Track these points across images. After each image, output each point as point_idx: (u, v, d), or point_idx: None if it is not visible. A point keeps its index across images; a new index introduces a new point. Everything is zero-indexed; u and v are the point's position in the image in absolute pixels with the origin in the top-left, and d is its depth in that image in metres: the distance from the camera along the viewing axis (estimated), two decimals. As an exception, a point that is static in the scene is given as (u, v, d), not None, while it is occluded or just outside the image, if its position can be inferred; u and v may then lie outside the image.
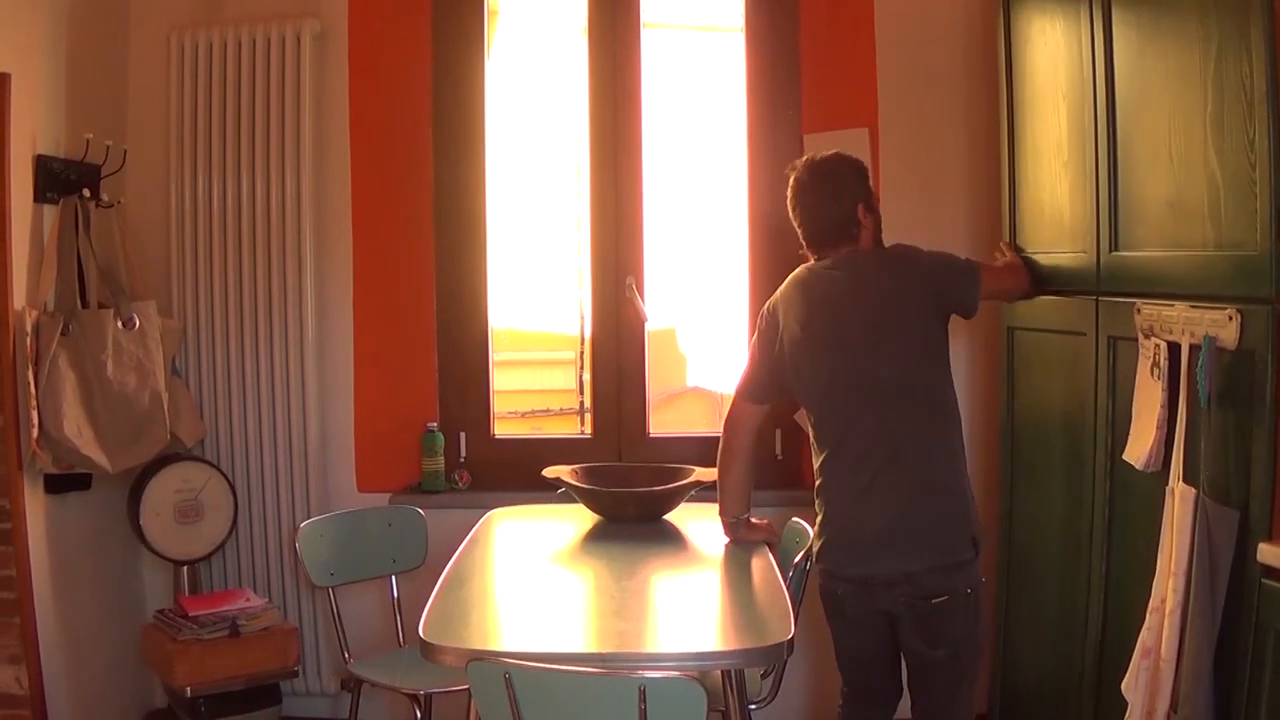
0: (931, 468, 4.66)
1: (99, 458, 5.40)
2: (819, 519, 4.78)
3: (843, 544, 4.68)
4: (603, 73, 6.34)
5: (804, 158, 5.06)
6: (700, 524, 5.32)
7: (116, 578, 6.06)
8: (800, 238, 4.97)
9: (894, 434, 4.62)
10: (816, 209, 4.90)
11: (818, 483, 4.80)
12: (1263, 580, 3.64)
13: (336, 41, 6.20)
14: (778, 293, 5.03)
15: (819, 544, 4.75)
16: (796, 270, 5.01)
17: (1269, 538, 3.67)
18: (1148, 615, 4.06)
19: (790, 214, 4.98)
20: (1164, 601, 3.96)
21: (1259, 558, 3.66)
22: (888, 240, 5.00)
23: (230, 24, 6.07)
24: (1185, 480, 4.02)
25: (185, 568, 5.98)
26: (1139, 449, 4.31)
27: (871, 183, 5.00)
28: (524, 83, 6.99)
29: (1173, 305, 4.10)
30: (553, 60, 7.02)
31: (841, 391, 4.73)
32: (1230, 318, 3.83)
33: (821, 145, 5.82)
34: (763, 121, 6.23)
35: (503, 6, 6.82)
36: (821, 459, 4.79)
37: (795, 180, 4.96)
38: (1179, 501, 3.99)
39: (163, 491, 5.83)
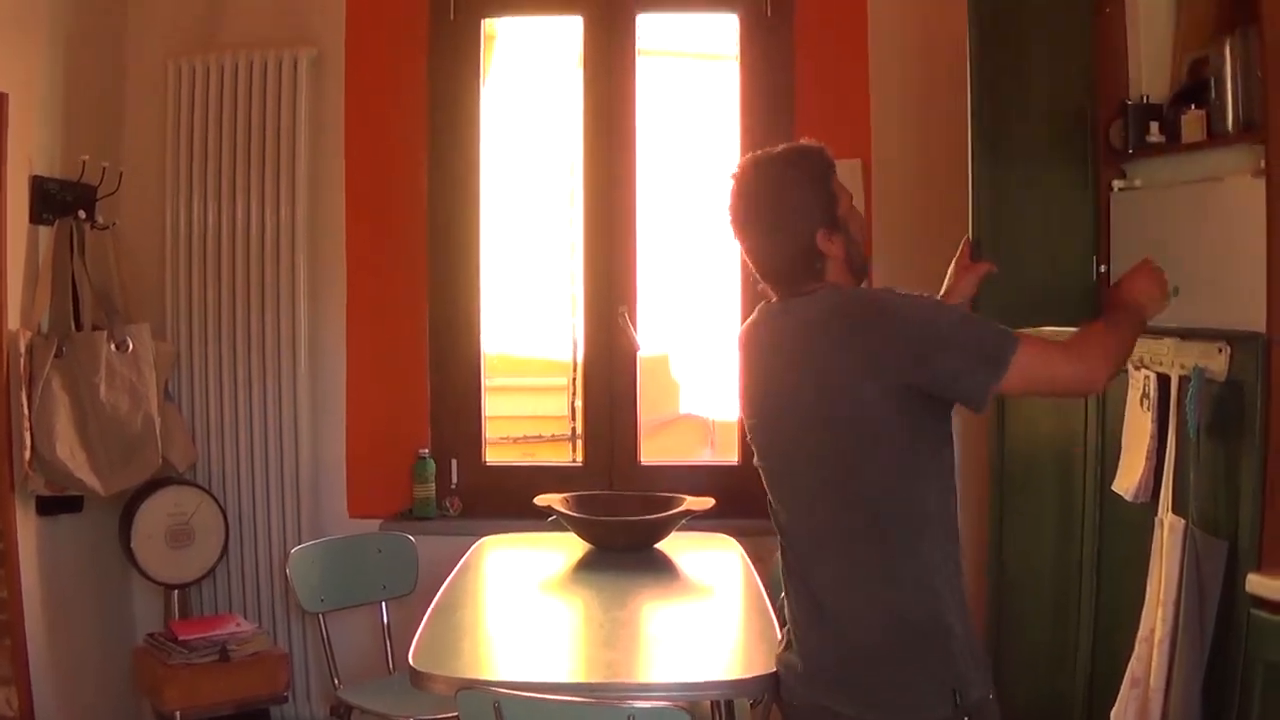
0: (888, 594, 3.52)
1: (91, 480, 5.40)
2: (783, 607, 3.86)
3: (802, 652, 3.68)
4: (598, 100, 6.35)
5: (744, 160, 3.81)
6: (691, 553, 5.32)
7: (107, 600, 6.05)
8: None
9: (836, 550, 3.59)
10: (759, 242, 3.73)
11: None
12: (1251, 610, 3.65)
13: (332, 68, 6.21)
14: (742, 329, 3.95)
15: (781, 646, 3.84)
16: (760, 306, 3.91)
17: (1258, 568, 3.69)
18: (1137, 645, 4.07)
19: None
20: (1153, 631, 3.98)
21: (1248, 588, 3.67)
22: (888, 272, 4.32)
23: (227, 49, 6.10)
24: (1174, 511, 4.04)
25: (176, 591, 5.98)
26: (1128, 480, 4.33)
27: (835, 186, 3.73)
28: (519, 109, 7.02)
29: (1161, 339, 4.13)
30: (548, 87, 7.06)
31: (779, 481, 3.76)
32: (1220, 350, 3.86)
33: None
34: (755, 149, 6.15)
35: (499, 32, 6.85)
36: (781, 564, 3.83)
37: (729, 200, 3.77)
38: (1168, 532, 4.01)
39: (154, 515, 5.83)
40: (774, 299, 3.79)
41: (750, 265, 3.76)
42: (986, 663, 3.59)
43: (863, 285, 3.80)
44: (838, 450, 3.50)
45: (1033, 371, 3.43)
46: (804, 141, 3.81)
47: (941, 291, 4.12)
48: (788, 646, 3.71)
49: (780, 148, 3.78)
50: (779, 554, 3.79)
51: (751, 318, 3.87)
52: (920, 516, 3.51)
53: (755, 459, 3.84)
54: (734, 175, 3.76)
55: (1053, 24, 4.67)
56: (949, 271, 4.24)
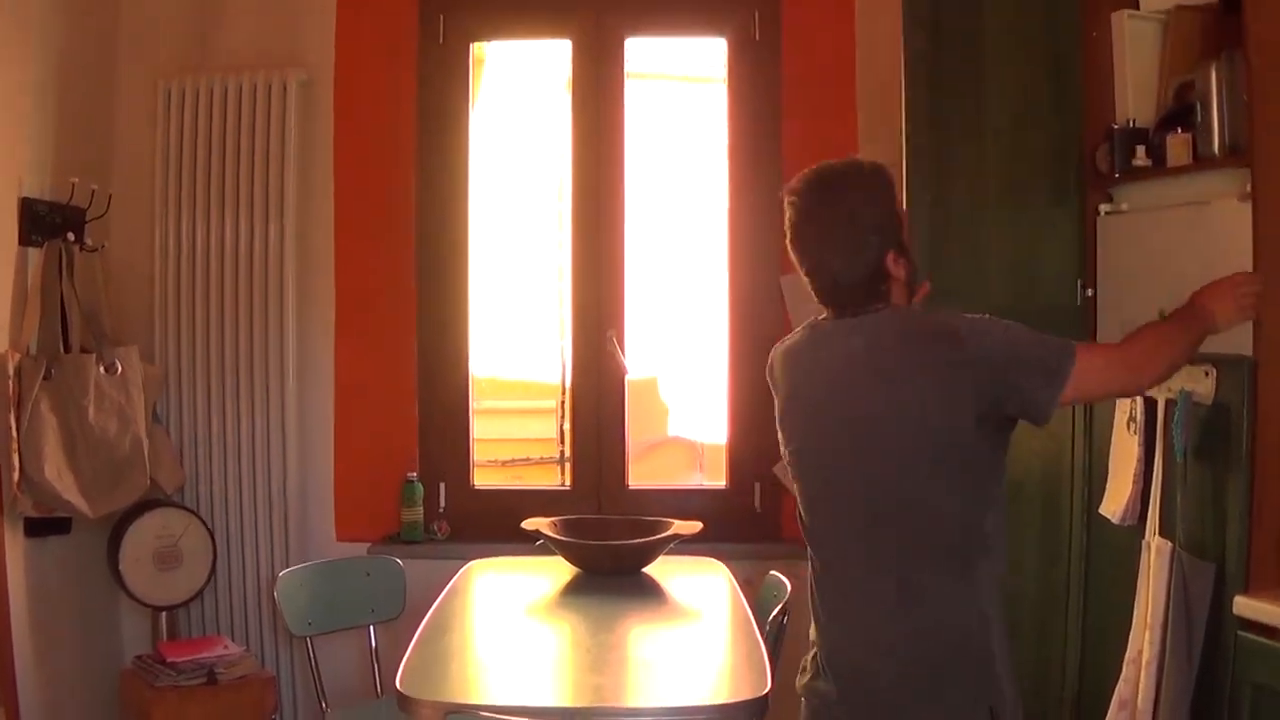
0: (939, 617, 3.55)
1: (79, 502, 5.39)
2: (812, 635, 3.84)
3: (838, 676, 3.67)
4: (586, 123, 6.37)
5: (805, 176, 3.74)
6: (678, 577, 5.32)
7: (95, 622, 6.03)
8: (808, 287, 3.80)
9: (888, 573, 3.58)
10: (829, 260, 3.65)
11: (811, 601, 3.85)
12: (1239, 633, 3.65)
13: (322, 90, 6.23)
14: (778, 352, 3.92)
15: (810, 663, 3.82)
16: (805, 324, 3.89)
17: (1245, 590, 3.69)
18: (1124, 668, 4.07)
19: (792, 258, 3.79)
20: (1140, 653, 3.98)
21: (1235, 610, 3.67)
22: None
23: (217, 72, 6.10)
24: (1161, 534, 4.05)
25: (164, 614, 5.97)
26: (1115, 503, 4.33)
27: (899, 206, 3.81)
28: (508, 131, 7.03)
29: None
30: (537, 109, 7.06)
31: (825, 503, 3.74)
32: (1206, 373, 3.87)
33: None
34: (743, 174, 6.28)
35: (489, 55, 6.86)
36: (812, 580, 3.83)
37: (794, 217, 3.72)
38: (1155, 555, 4.01)
39: (142, 537, 5.82)
40: (823, 318, 3.78)
41: (809, 282, 3.73)
42: (1020, 688, 3.61)
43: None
44: (908, 473, 3.52)
45: (1091, 380, 3.50)
46: (862, 159, 3.77)
47: None
48: (817, 674, 3.72)
49: (847, 163, 3.74)
50: (811, 576, 3.80)
51: (795, 338, 3.87)
52: (980, 539, 3.55)
53: (795, 480, 3.83)
54: (800, 190, 3.72)
55: (1019, 41, 4.73)
56: None
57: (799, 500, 3.81)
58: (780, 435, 3.85)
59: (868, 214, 3.63)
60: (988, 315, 3.55)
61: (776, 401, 3.87)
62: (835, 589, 3.70)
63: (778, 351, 3.90)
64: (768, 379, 3.95)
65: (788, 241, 3.75)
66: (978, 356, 3.44)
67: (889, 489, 3.54)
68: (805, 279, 3.73)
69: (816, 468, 3.73)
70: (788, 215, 3.73)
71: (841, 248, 3.62)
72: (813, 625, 3.77)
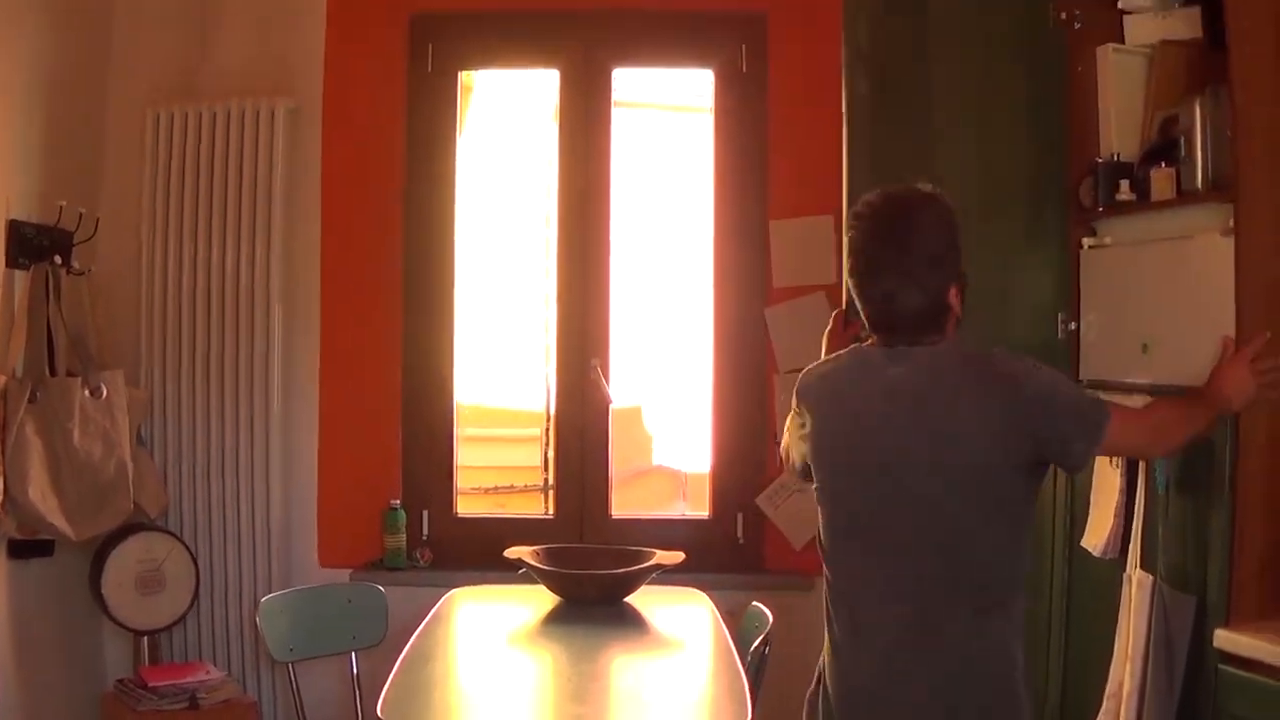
0: (969, 652, 3.55)
1: (63, 525, 5.38)
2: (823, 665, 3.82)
3: (846, 697, 3.69)
4: (573, 152, 6.38)
5: (872, 202, 3.68)
6: (661, 607, 5.31)
7: (77, 645, 6.02)
8: (860, 315, 3.76)
9: (921, 605, 3.56)
10: (896, 289, 3.58)
11: (826, 620, 3.81)
12: (1219, 666, 3.67)
13: (310, 117, 6.23)
14: (813, 375, 3.87)
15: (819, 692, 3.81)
16: (849, 350, 3.85)
17: (1226, 623, 3.71)
18: (1105, 700, 4.09)
19: (848, 282, 3.76)
20: (1121, 686, 4.00)
21: (1216, 643, 3.69)
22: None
23: (206, 98, 6.12)
24: (1143, 567, 4.07)
25: (146, 638, 5.95)
26: (1097, 536, 4.35)
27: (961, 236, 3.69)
28: (496, 159, 7.04)
29: (1131, 395, 4.15)
30: (525, 137, 7.07)
31: (859, 529, 3.70)
32: (1189, 406, 3.88)
33: (787, 232, 5.90)
34: (729, 204, 6.30)
35: (477, 83, 6.88)
36: (828, 600, 3.79)
37: (861, 244, 3.66)
38: (1136, 588, 4.03)
39: (125, 561, 5.81)
40: (869, 344, 3.76)
41: (865, 309, 3.68)
42: None
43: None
44: (954, 507, 3.52)
45: (1117, 441, 3.61)
46: (924, 186, 3.72)
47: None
48: (825, 695, 3.73)
49: (914, 191, 3.70)
50: (827, 597, 3.77)
51: (836, 362, 3.84)
52: (1016, 576, 3.61)
53: (822, 503, 3.78)
54: (868, 216, 3.67)
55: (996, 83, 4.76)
56: (823, 344, 4.32)
57: (822, 522, 3.77)
58: (811, 457, 3.79)
59: (937, 246, 3.61)
60: (1034, 360, 3.60)
61: (808, 424, 3.79)
62: (851, 614, 3.68)
63: (813, 374, 3.86)
64: (796, 403, 3.88)
65: (848, 267, 3.71)
66: (1033, 400, 3.49)
67: (929, 522, 3.54)
68: (860, 304, 3.69)
69: (850, 493, 3.71)
70: (851, 240, 3.69)
71: (909, 279, 3.57)
72: (826, 643, 3.77)
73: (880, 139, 4.76)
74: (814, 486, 3.81)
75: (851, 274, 3.69)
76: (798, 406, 3.86)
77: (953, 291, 3.61)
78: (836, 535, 3.73)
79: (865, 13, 4.77)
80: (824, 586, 3.79)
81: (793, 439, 3.92)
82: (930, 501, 3.53)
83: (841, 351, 3.85)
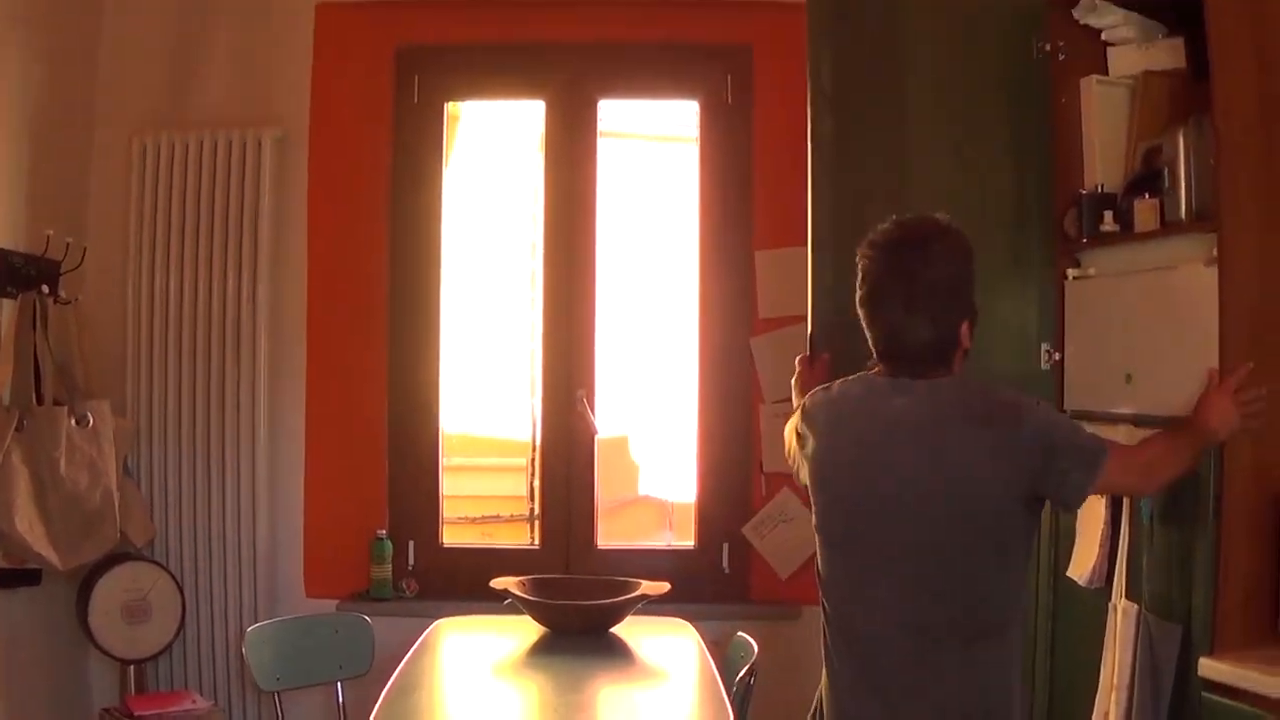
0: (968, 687, 3.57)
1: (49, 554, 5.38)
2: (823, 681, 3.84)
3: None
4: (558, 183, 6.40)
5: (889, 233, 3.68)
6: (646, 638, 5.31)
7: (63, 674, 6.01)
8: (870, 343, 3.73)
9: (922, 639, 3.56)
10: (909, 321, 3.59)
11: (824, 664, 3.81)
12: (1205, 694, 3.67)
13: (296, 147, 6.25)
14: (820, 398, 3.83)
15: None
16: (856, 377, 3.80)
17: (1211, 652, 3.71)
18: (1091, 729, 4.10)
19: (859, 312, 3.72)
20: (1107, 715, 4.00)
21: (1201, 672, 3.69)
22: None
23: (192, 127, 6.13)
24: (1128, 596, 4.08)
25: (132, 667, 5.93)
26: (1082, 566, 4.36)
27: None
28: (482, 189, 7.05)
29: (1116, 426, 4.16)
30: (511, 167, 7.08)
31: (860, 561, 3.68)
32: (1173, 436, 3.89)
33: (773, 263, 5.92)
34: (714, 235, 6.33)
35: (463, 113, 6.90)
36: (825, 630, 3.79)
37: (875, 275, 3.66)
38: (1122, 617, 4.04)
39: (111, 590, 5.80)
40: (876, 372, 3.75)
41: (874, 338, 3.68)
42: None
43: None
44: (953, 541, 3.53)
45: (1113, 480, 3.64)
46: (941, 217, 3.71)
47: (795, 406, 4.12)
48: None
49: (931, 223, 3.68)
50: (827, 637, 3.76)
51: (843, 388, 3.80)
52: (1015, 610, 3.65)
53: (820, 530, 3.78)
54: (884, 246, 3.66)
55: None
56: (794, 391, 4.41)
57: (820, 552, 3.76)
58: (811, 483, 3.79)
59: (952, 281, 3.62)
60: (1035, 397, 3.66)
61: (810, 448, 3.77)
62: (849, 646, 3.68)
63: (819, 399, 3.83)
64: (799, 424, 3.86)
65: (860, 297, 3.70)
66: (1033, 437, 3.51)
67: (928, 556, 3.54)
68: (868, 332, 3.69)
69: (849, 524, 3.70)
70: (865, 271, 3.68)
71: (923, 313, 3.58)
72: (824, 672, 3.78)
73: (848, 176, 4.75)
74: (813, 521, 3.79)
75: (861, 303, 3.68)
76: (802, 425, 3.84)
77: (964, 326, 3.63)
78: (835, 566, 3.72)
79: (830, 52, 4.78)
80: (821, 616, 3.78)
81: (794, 450, 3.92)
82: (929, 535, 3.53)
83: (851, 378, 3.80)
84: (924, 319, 3.57)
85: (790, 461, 4.01)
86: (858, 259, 3.71)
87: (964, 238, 3.67)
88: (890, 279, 3.61)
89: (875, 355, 3.71)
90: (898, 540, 3.57)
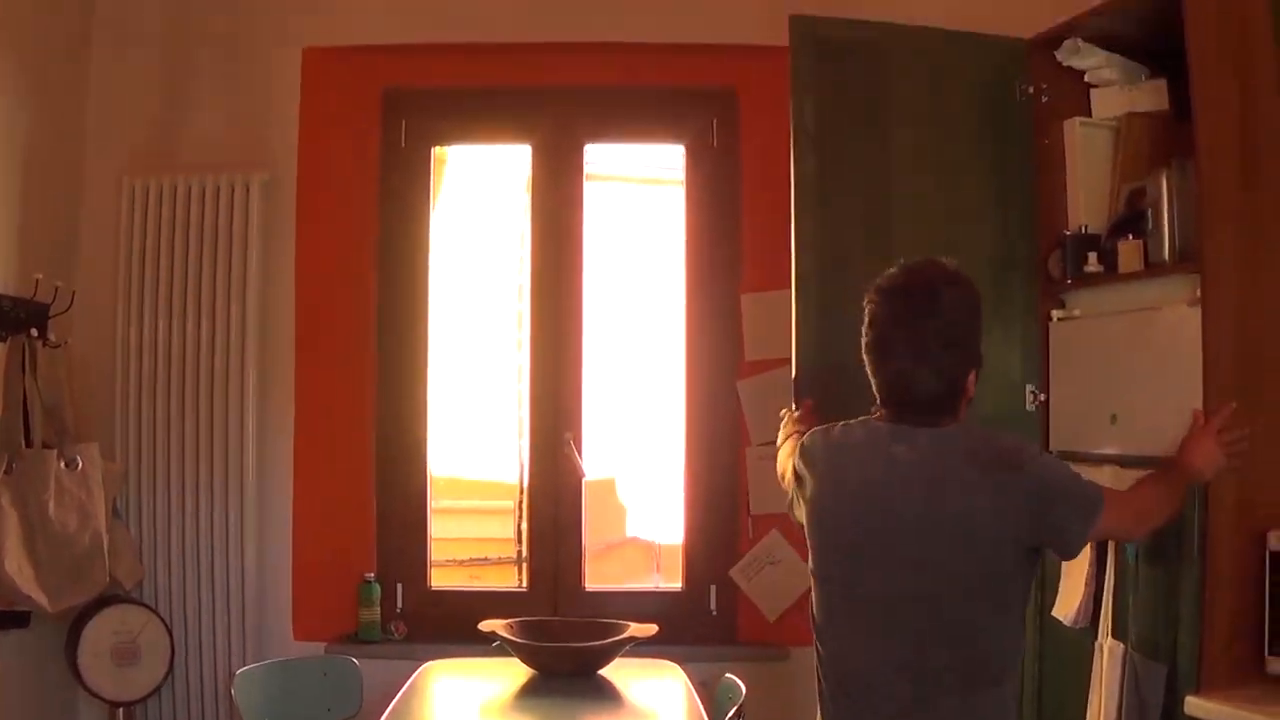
0: None
1: (39, 596, 5.38)
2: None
3: None
4: (545, 227, 6.41)
5: (895, 278, 3.67)
6: (634, 680, 5.30)
7: (52, 717, 5.98)
8: (875, 389, 3.71)
9: (922, 686, 3.52)
10: (909, 374, 3.58)
11: (818, 708, 3.78)
12: (1191, 732, 3.70)
13: (285, 191, 6.26)
14: (820, 439, 3.81)
15: None
16: (858, 421, 3.77)
17: (1197, 691, 3.74)
18: (1078, 768, 4.11)
19: (865, 358, 3.69)
20: (1094, 754, 4.01)
21: (1188, 710, 3.72)
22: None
23: (181, 171, 6.13)
24: (1114, 636, 4.10)
25: (121, 709, 5.91)
26: (1068, 606, 4.37)
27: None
28: (470, 232, 7.07)
29: (1101, 467, 4.19)
30: (498, 210, 7.11)
31: (861, 607, 3.64)
32: (1157, 476, 3.92)
33: (759, 305, 5.94)
34: (701, 277, 6.34)
35: (450, 156, 6.92)
36: (820, 674, 3.76)
37: (882, 321, 3.63)
38: (1108, 657, 4.06)
39: (101, 632, 5.80)
40: (878, 417, 3.71)
41: (880, 384, 3.66)
42: None
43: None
44: (958, 588, 3.50)
45: (1108, 526, 3.63)
46: (948, 262, 3.69)
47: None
48: None
49: (938, 269, 3.66)
50: (822, 681, 3.74)
51: (847, 432, 3.76)
52: (1013, 655, 3.63)
53: (815, 573, 3.76)
54: (891, 292, 3.64)
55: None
56: (780, 433, 4.43)
57: (816, 597, 3.74)
58: (808, 527, 3.76)
59: (960, 330, 3.60)
60: (1036, 444, 3.77)
61: (810, 489, 3.74)
62: (846, 691, 3.65)
63: (820, 439, 3.80)
64: (798, 463, 3.82)
65: (866, 343, 3.67)
66: (1035, 483, 3.49)
67: (927, 603, 3.51)
68: (873, 378, 3.67)
69: (847, 570, 3.66)
70: (872, 317, 3.65)
71: (930, 361, 3.56)
72: (818, 714, 3.76)
73: (831, 216, 4.80)
74: (809, 564, 3.77)
75: (868, 350, 3.65)
76: (801, 464, 3.80)
77: (971, 376, 3.62)
78: (833, 612, 3.70)
79: (813, 94, 4.82)
80: (814, 658, 3.75)
81: (790, 485, 3.91)
82: (930, 580, 3.50)
83: (852, 421, 3.77)
84: (932, 369, 3.55)
85: (785, 489, 3.99)
86: (865, 304, 3.68)
87: (973, 286, 3.66)
88: (898, 327, 3.59)
89: (880, 400, 3.68)
90: (897, 585, 3.54)
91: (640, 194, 7.49)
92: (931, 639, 3.50)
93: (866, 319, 3.66)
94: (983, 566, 3.48)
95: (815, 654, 3.75)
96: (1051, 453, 4.43)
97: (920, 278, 3.64)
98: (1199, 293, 3.86)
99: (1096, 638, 4.19)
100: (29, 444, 5.49)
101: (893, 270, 3.68)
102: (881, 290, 3.65)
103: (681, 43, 6.15)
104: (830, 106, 4.84)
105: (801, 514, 3.81)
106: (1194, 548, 3.83)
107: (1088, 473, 3.76)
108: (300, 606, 6.26)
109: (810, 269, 4.68)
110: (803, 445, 3.84)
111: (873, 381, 3.66)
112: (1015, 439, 3.67)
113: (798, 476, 3.82)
